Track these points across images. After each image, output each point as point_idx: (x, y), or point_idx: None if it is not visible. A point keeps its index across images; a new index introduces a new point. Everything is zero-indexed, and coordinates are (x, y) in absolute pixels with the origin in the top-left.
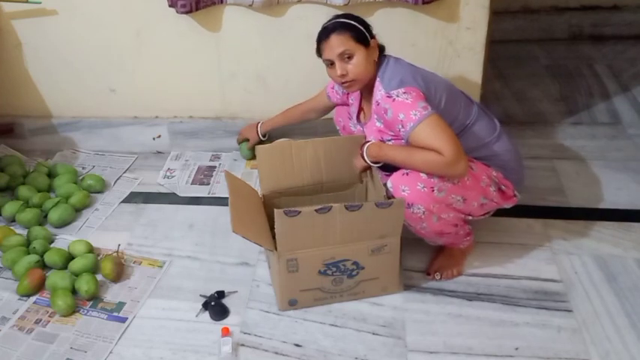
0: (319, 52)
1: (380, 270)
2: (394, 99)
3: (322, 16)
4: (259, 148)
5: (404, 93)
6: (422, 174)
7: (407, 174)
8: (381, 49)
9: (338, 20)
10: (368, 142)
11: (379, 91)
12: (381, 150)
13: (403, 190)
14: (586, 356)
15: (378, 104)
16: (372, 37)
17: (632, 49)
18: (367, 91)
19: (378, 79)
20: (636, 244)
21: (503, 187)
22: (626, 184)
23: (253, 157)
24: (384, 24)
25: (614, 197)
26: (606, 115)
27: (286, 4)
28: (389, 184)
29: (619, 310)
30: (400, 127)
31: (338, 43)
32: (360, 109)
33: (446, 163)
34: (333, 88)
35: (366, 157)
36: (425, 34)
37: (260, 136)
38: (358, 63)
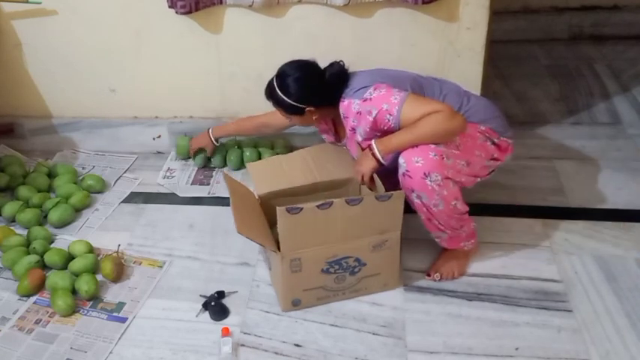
0: None
1: (381, 266)
2: (371, 98)
3: (322, 16)
4: (250, 165)
5: (375, 90)
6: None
7: (417, 146)
8: (340, 78)
9: (273, 87)
10: (369, 145)
11: (354, 105)
12: (387, 141)
13: (417, 162)
14: (586, 356)
15: (359, 113)
16: (311, 102)
17: (632, 49)
18: (335, 114)
19: (345, 101)
20: (636, 244)
21: (495, 139)
22: (626, 184)
23: (207, 164)
24: (384, 24)
25: (614, 197)
26: (606, 115)
27: (286, 4)
28: (400, 161)
29: (619, 310)
30: (388, 116)
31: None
32: (336, 131)
33: (447, 116)
34: None
35: (379, 156)
36: (425, 34)
37: (214, 142)
38: (298, 123)
